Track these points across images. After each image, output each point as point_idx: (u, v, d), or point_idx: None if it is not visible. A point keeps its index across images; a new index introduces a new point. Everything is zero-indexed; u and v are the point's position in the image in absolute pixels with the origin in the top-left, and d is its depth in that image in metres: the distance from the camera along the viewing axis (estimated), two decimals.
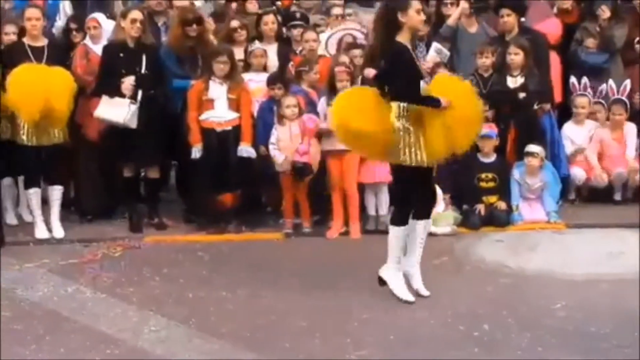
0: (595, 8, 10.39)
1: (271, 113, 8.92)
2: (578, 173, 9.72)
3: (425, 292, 6.84)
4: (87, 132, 9.13)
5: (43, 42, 8.85)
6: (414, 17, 6.63)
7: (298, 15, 10.43)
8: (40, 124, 8.51)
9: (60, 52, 9.05)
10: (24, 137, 8.61)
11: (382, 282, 6.86)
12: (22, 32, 9.02)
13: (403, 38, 6.65)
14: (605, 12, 10.27)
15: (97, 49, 9.13)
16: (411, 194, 6.80)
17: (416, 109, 6.56)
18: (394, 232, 6.79)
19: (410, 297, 6.75)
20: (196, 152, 8.77)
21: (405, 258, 6.86)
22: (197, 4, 10.60)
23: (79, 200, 9.49)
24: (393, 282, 6.81)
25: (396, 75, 6.64)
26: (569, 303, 6.61)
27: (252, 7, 10.55)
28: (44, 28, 9.06)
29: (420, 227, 6.85)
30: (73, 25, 9.60)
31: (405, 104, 6.57)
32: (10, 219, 9.12)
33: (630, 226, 8.58)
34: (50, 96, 8.41)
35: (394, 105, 6.61)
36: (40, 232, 8.72)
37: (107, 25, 9.40)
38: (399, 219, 6.80)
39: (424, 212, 6.87)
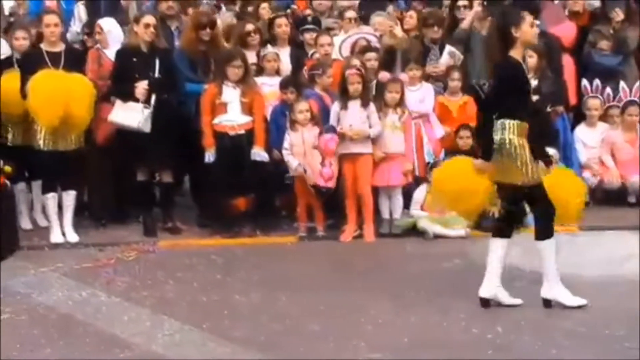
0: (608, 10, 10.37)
1: (284, 117, 8.94)
2: (590, 178, 9.69)
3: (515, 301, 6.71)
4: (97, 136, 9.15)
5: (60, 47, 8.88)
6: (527, 31, 6.49)
7: (310, 19, 10.46)
8: (59, 129, 8.55)
9: (77, 57, 9.07)
10: (41, 142, 8.64)
11: (547, 303, 6.65)
12: (39, 37, 9.06)
13: (516, 53, 6.50)
14: (618, 14, 10.26)
15: (110, 54, 9.17)
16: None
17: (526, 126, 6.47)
18: (547, 245, 6.64)
19: (581, 301, 6.59)
20: (209, 156, 8.79)
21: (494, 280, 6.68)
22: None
23: (92, 204, 9.52)
24: (561, 295, 6.64)
25: (507, 91, 6.48)
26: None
27: (265, 12, 10.58)
28: (60, 33, 9.10)
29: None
30: (86, 30, 9.67)
31: (517, 121, 6.43)
32: (25, 223, 9.14)
33: None
34: (69, 102, 8.44)
35: (507, 122, 6.43)
36: (56, 236, 8.76)
37: (114, 30, 9.42)
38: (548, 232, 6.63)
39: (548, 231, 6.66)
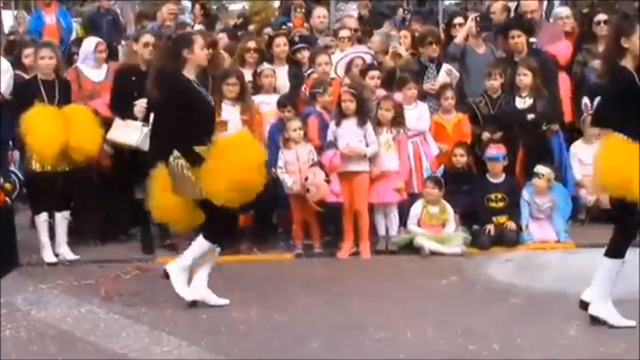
0: (595, 28, 10.37)
1: (280, 135, 8.99)
2: (586, 196, 9.69)
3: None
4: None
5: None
6: (637, 43, 6.25)
7: (297, 38, 10.51)
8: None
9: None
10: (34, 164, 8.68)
11: (593, 319, 6.52)
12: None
13: (628, 64, 6.29)
14: (603, 30, 10.26)
15: (89, 73, 9.25)
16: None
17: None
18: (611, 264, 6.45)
19: (631, 322, 6.45)
20: None
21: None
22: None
23: (88, 223, 9.52)
24: (607, 315, 6.51)
25: (616, 102, 6.27)
26: (580, 323, 6.60)
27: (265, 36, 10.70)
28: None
29: None
30: (74, 49, 9.69)
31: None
32: (49, 257, 8.80)
33: None
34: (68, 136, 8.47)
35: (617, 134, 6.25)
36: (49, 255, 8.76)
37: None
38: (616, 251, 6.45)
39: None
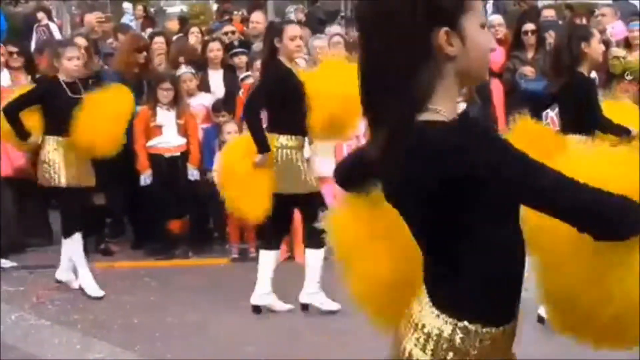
0: (522, 37, 10.48)
1: (216, 139, 8.98)
2: None
3: None
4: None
5: None
6: (596, 48, 6.45)
7: (236, 43, 10.52)
8: None
9: None
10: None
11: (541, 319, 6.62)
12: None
13: (584, 70, 6.46)
14: (530, 39, 10.39)
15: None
16: None
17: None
18: None
19: None
20: (146, 179, 8.80)
21: None
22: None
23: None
24: None
25: (578, 108, 6.38)
26: (526, 323, 6.67)
27: (194, 37, 10.73)
28: None
29: None
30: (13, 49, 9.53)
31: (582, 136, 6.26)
32: (95, 291, 7.67)
33: None
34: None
35: (572, 137, 6.34)
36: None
37: None
38: None
39: None
